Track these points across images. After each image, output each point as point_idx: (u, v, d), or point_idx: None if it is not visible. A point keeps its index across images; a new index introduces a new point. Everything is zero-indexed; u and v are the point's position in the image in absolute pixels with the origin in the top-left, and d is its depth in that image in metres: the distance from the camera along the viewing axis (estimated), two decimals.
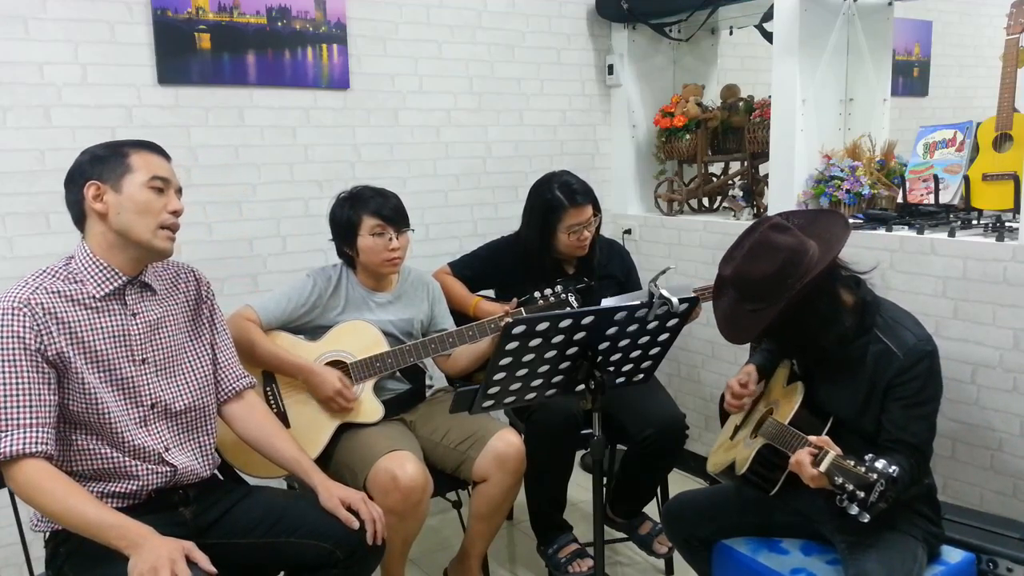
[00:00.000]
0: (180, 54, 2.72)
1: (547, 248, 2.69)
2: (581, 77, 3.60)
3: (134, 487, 1.79)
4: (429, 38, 3.20)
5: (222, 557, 1.82)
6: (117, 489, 1.78)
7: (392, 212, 2.39)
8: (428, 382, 2.61)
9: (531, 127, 3.49)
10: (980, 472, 2.45)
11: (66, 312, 1.72)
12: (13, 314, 1.67)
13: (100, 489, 1.76)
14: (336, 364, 2.36)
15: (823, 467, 1.65)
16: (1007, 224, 2.44)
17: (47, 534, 1.80)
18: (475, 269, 2.80)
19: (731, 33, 3.65)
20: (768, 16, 3.08)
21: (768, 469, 1.92)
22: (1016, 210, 2.43)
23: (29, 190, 2.55)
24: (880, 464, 1.60)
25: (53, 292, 1.73)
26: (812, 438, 1.74)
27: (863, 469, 1.60)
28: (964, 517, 2.14)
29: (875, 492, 1.57)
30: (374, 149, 3.14)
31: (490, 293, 2.85)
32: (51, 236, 2.59)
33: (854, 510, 1.60)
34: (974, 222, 2.57)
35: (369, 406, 2.37)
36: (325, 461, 2.30)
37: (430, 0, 3.18)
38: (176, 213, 1.81)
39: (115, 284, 1.79)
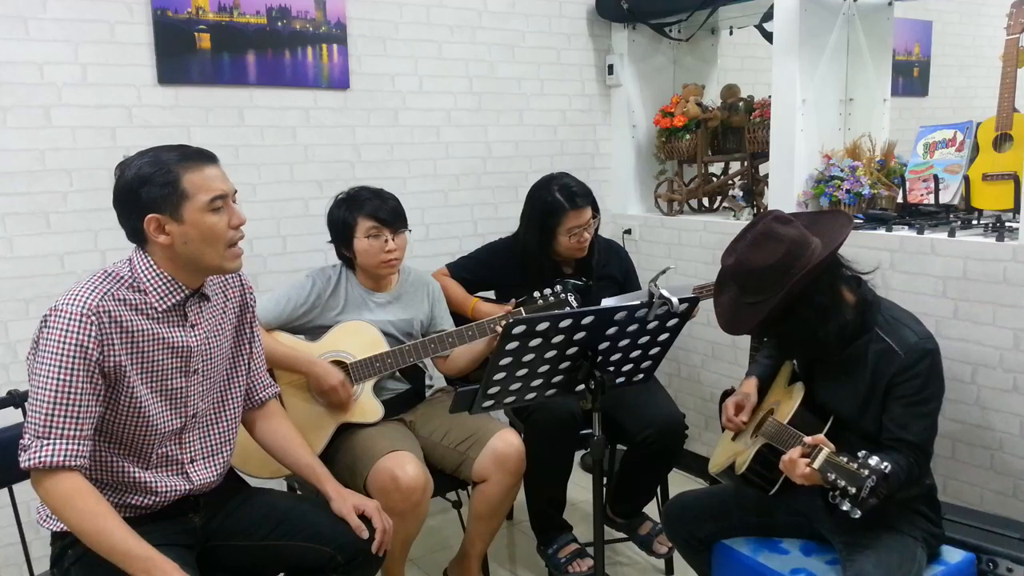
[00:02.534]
0: (180, 54, 2.72)
1: (546, 250, 2.69)
2: (581, 77, 3.60)
3: (150, 501, 1.77)
4: (429, 38, 3.20)
5: (223, 559, 1.83)
6: (133, 501, 1.76)
7: (387, 214, 2.39)
8: (428, 382, 2.61)
9: (531, 127, 3.49)
10: (980, 472, 2.45)
11: (131, 322, 1.68)
12: (81, 321, 1.61)
13: (115, 500, 1.73)
14: (336, 364, 2.36)
15: (816, 464, 1.65)
16: (1007, 224, 2.44)
17: (52, 532, 1.78)
18: (473, 271, 2.80)
19: (731, 33, 3.66)
20: (768, 16, 3.08)
21: (768, 469, 1.92)
22: (1016, 210, 2.43)
23: (29, 190, 2.55)
24: (873, 461, 1.60)
25: (119, 300, 1.67)
26: (807, 438, 1.73)
27: (855, 466, 1.61)
28: (964, 517, 2.14)
29: (866, 488, 1.58)
30: (374, 149, 3.14)
31: (489, 294, 2.85)
32: (51, 236, 2.59)
33: (846, 506, 1.61)
34: (974, 222, 2.57)
35: (369, 406, 2.37)
36: (325, 461, 2.29)
37: (430, 0, 3.18)
38: (239, 226, 1.75)
39: (177, 297, 1.74)
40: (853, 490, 1.59)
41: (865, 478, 1.58)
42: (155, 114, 2.72)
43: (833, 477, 1.62)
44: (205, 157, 1.74)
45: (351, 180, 3.03)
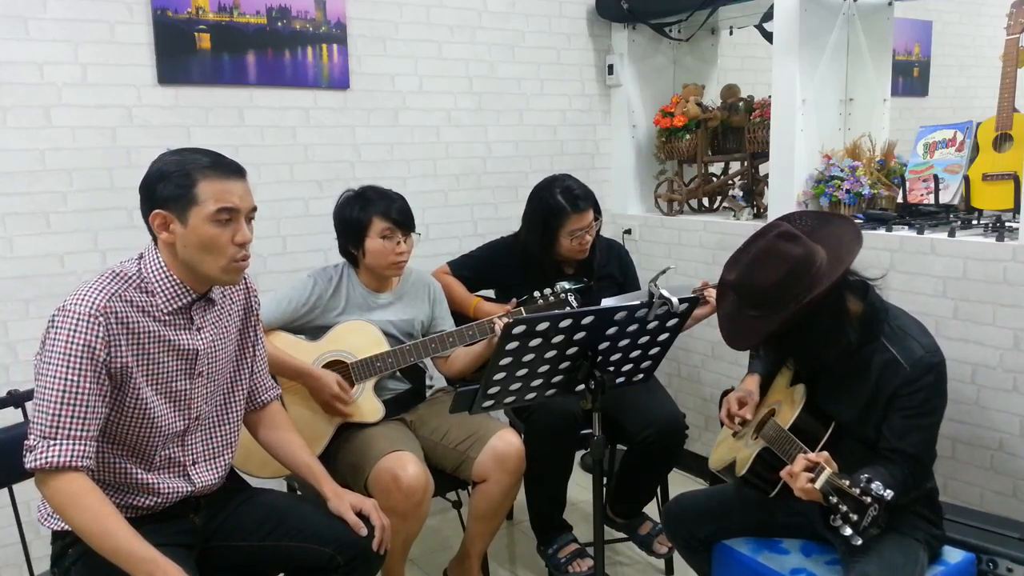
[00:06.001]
0: (180, 54, 2.72)
1: (548, 251, 2.69)
2: (581, 77, 3.60)
3: (152, 502, 1.77)
4: (429, 38, 3.20)
5: (223, 559, 1.83)
6: (135, 502, 1.76)
7: (401, 215, 2.40)
8: (428, 382, 2.61)
9: (531, 127, 3.49)
10: (980, 472, 2.45)
11: (137, 323, 1.68)
12: (88, 321, 1.60)
13: (118, 500, 1.73)
14: (336, 364, 2.36)
15: (818, 484, 1.63)
16: (1007, 224, 2.44)
17: (53, 531, 1.77)
18: (474, 269, 2.80)
19: (731, 33, 3.66)
20: (768, 16, 3.08)
21: (768, 471, 1.91)
22: (1016, 210, 2.43)
23: (29, 190, 2.55)
24: (875, 487, 1.57)
25: (127, 301, 1.67)
26: (811, 455, 1.70)
27: (858, 491, 1.58)
28: (964, 517, 2.14)
29: (868, 517, 1.56)
30: (374, 149, 3.14)
31: (490, 293, 2.85)
32: (51, 236, 2.59)
33: (847, 531, 1.58)
34: (974, 222, 2.57)
35: (369, 406, 2.37)
36: (326, 461, 2.29)
37: (430, 0, 3.18)
38: (243, 244, 1.71)
39: (184, 300, 1.74)
40: (855, 517, 1.57)
41: (868, 505, 1.56)
42: (155, 114, 2.72)
43: (835, 500, 1.60)
44: (234, 170, 1.72)
45: (351, 180, 3.03)
